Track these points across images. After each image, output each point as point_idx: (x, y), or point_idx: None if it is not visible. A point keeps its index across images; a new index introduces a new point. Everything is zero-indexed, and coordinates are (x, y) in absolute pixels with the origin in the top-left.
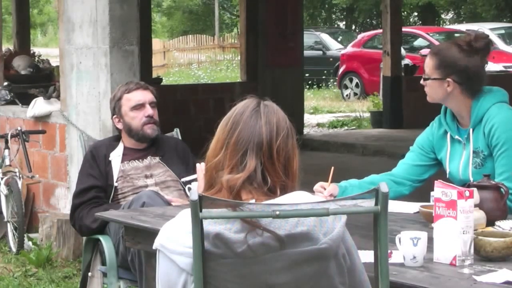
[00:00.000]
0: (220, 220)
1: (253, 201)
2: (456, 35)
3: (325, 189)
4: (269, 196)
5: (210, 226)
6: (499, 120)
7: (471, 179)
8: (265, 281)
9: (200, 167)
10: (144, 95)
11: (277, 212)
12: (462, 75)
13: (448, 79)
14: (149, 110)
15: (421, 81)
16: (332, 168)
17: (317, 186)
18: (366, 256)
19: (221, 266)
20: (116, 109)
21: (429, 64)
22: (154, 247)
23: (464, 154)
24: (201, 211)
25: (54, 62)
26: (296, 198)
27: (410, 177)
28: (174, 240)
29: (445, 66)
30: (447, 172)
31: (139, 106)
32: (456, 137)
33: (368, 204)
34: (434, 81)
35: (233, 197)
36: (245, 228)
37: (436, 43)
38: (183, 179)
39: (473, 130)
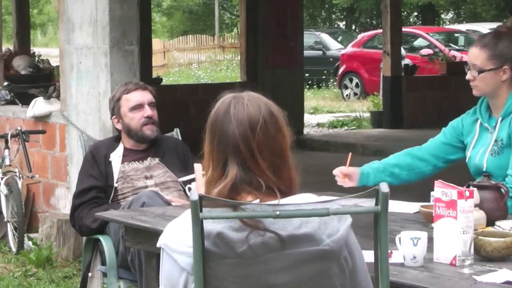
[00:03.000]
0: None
1: (257, 201)
2: (456, 35)
3: (344, 174)
4: (270, 196)
5: (211, 225)
6: None
7: (485, 165)
8: (266, 281)
9: (198, 166)
10: (143, 96)
11: (277, 212)
12: None
13: (505, 67)
14: (148, 111)
15: (469, 76)
16: (350, 154)
17: (336, 171)
18: (366, 256)
19: (222, 266)
20: (115, 110)
21: (479, 57)
22: (158, 245)
23: (487, 142)
24: (201, 211)
25: (54, 62)
26: (300, 199)
27: (437, 153)
28: (176, 240)
29: (499, 55)
30: (467, 157)
31: (138, 107)
32: (485, 124)
33: (369, 204)
34: (488, 72)
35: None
36: (246, 228)
37: (436, 43)
38: (181, 179)
39: (501, 120)
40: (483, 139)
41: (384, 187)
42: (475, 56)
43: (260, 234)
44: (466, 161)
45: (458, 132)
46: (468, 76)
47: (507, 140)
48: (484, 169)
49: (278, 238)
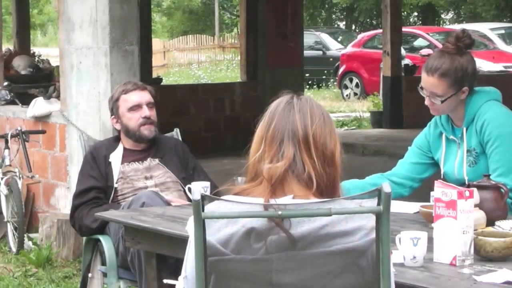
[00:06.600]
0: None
1: (290, 197)
2: None
3: None
4: (307, 189)
5: (231, 228)
6: (490, 116)
7: (466, 178)
8: (270, 280)
9: None
10: (141, 96)
11: (280, 212)
12: (473, 78)
13: (463, 88)
14: (145, 111)
15: (429, 102)
16: None
17: None
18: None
19: (232, 262)
20: (114, 110)
21: (440, 86)
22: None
23: (458, 154)
24: (203, 210)
25: (54, 62)
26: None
27: (411, 175)
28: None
29: (460, 80)
30: (442, 172)
31: (136, 107)
32: (451, 137)
33: (371, 204)
34: (450, 98)
35: (274, 188)
36: (268, 230)
37: (436, 43)
38: None
39: (466, 129)
40: (452, 152)
41: (386, 187)
42: (435, 85)
43: (275, 233)
44: (442, 177)
45: (426, 149)
46: (427, 102)
47: (480, 148)
48: (466, 182)
49: (290, 238)
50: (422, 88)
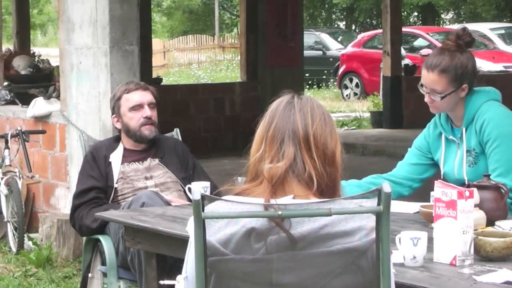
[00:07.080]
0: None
1: (290, 197)
2: None
3: None
4: (308, 189)
5: (231, 229)
6: (490, 116)
7: (466, 178)
8: (270, 280)
9: None
10: (143, 96)
11: (280, 212)
12: (472, 75)
13: (463, 86)
14: (147, 112)
15: (428, 99)
16: None
17: None
18: None
19: (231, 262)
20: (115, 109)
21: (440, 82)
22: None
23: (458, 154)
24: (203, 210)
25: (54, 62)
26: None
27: (410, 176)
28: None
29: (460, 76)
30: (442, 173)
31: (137, 107)
32: (450, 137)
33: (370, 204)
34: (450, 95)
35: (274, 188)
36: (268, 230)
37: (436, 43)
38: None
39: (466, 130)
40: (452, 152)
41: (386, 187)
42: (435, 82)
43: (275, 233)
44: (441, 178)
45: (425, 150)
46: (427, 100)
47: (479, 148)
48: (466, 182)
49: (290, 237)
50: (422, 85)
